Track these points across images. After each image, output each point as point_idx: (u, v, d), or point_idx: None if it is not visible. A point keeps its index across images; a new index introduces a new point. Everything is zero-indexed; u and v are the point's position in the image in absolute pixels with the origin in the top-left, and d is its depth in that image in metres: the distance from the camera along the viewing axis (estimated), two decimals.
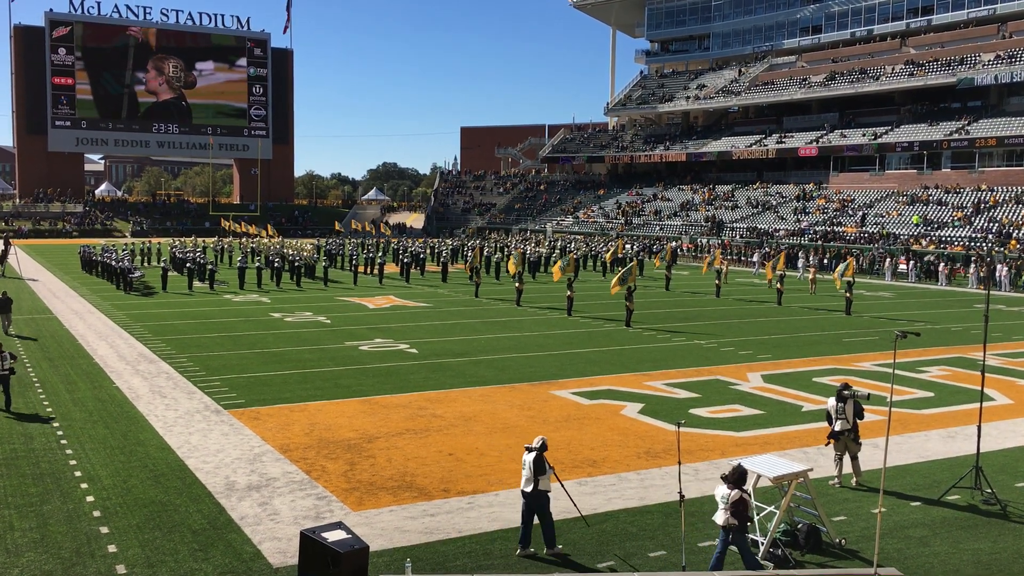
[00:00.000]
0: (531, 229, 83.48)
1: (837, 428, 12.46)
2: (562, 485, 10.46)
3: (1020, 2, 69.39)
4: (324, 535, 8.52)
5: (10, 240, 54.57)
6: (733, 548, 9.32)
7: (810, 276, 41.05)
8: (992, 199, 58.09)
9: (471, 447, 14.12)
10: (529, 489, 9.94)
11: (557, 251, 56.67)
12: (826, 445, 12.79)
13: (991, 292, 38.61)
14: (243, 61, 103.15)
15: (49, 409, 16.23)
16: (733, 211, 73.11)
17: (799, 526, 10.33)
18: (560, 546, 10.06)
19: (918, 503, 11.81)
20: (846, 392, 12.56)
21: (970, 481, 12.14)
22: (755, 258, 54.79)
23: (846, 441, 12.47)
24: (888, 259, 50.08)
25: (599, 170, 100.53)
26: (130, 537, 10.21)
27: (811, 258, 53.80)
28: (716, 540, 10.43)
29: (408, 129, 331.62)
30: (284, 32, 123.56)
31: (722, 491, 9.35)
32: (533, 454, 10.03)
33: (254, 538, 10.24)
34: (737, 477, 9.36)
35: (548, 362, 21.70)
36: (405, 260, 45.50)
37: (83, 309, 31.21)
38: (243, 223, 77.26)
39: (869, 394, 12.80)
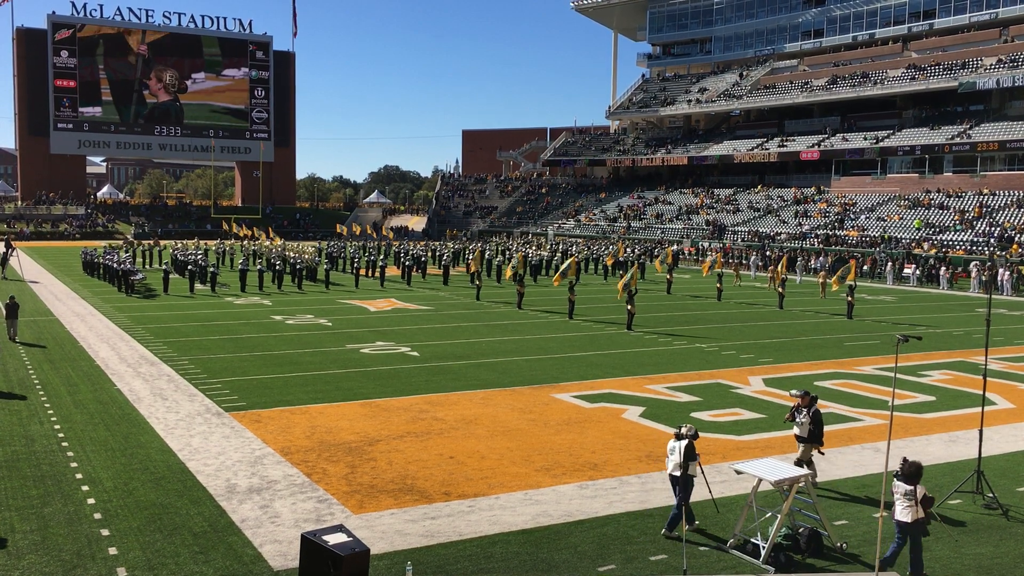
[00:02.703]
0: (533, 232, 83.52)
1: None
2: (702, 471, 10.78)
3: (1022, 6, 69.41)
4: (325, 538, 8.54)
5: (12, 242, 54.61)
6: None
7: (820, 280, 41.05)
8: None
9: (472, 450, 14.12)
10: (678, 474, 10.56)
11: (559, 254, 56.66)
12: (821, 454, 12.58)
13: (993, 296, 38.59)
14: (245, 64, 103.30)
15: (50, 411, 16.23)
16: (735, 215, 73.12)
17: (800, 530, 10.32)
18: (677, 530, 10.47)
19: None
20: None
21: (971, 485, 12.13)
22: (752, 261, 54.75)
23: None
24: (890, 263, 50.07)
25: (601, 173, 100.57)
26: (131, 539, 10.21)
27: (814, 262, 53.80)
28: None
29: (410, 132, 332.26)
30: (294, 36, 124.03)
31: (903, 488, 9.47)
32: (684, 442, 10.61)
33: (255, 541, 10.24)
34: (915, 471, 9.52)
35: (549, 365, 21.69)
36: (406, 263, 45.51)
37: (84, 311, 31.23)
38: (244, 226, 77.28)
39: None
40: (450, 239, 79.36)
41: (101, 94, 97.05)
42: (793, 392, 12.85)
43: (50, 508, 11.20)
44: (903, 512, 9.44)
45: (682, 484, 10.53)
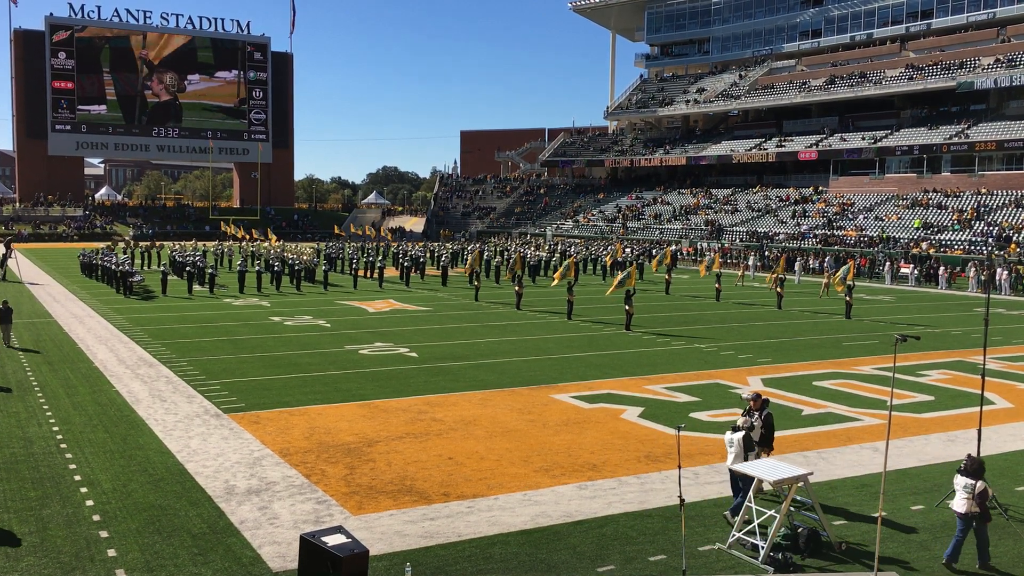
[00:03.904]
0: (531, 233, 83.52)
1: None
2: None
3: (1020, 6, 69.52)
4: (324, 539, 8.54)
5: (10, 244, 54.55)
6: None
7: (824, 281, 41.03)
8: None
9: (471, 451, 14.11)
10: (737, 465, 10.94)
11: (557, 255, 56.65)
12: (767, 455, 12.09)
13: (991, 296, 38.61)
14: (242, 65, 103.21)
15: (49, 413, 16.21)
16: (733, 215, 73.16)
17: (799, 530, 10.32)
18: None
19: (918, 507, 11.79)
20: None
21: None
22: (750, 262, 54.74)
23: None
24: (888, 262, 50.11)
25: (599, 174, 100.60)
26: (130, 541, 10.20)
27: (813, 262, 53.80)
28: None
29: (408, 133, 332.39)
30: (291, 33, 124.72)
31: (963, 481, 9.79)
32: (741, 433, 11.13)
33: (254, 542, 10.23)
34: (977, 467, 9.80)
35: (548, 366, 21.69)
36: (405, 264, 45.51)
37: (83, 313, 31.20)
38: (242, 228, 77.25)
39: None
40: (446, 240, 79.37)
41: (105, 94, 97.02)
42: (744, 396, 12.56)
43: (49, 510, 11.19)
44: (960, 504, 9.78)
45: (742, 476, 10.85)
